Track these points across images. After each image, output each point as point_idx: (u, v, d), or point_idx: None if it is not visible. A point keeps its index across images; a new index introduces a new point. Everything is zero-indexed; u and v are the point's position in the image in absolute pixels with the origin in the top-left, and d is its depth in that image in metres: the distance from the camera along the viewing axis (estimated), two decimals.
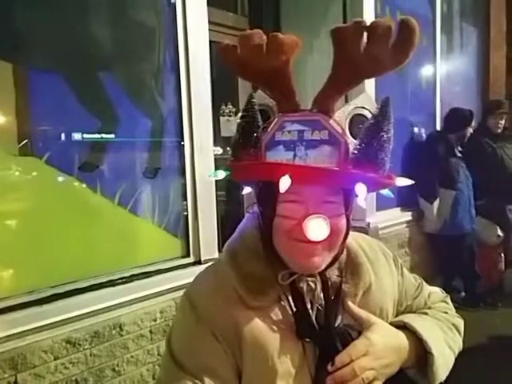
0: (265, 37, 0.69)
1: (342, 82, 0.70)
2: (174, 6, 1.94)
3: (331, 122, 0.68)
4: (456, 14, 4.62)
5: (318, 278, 0.74)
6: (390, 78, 3.26)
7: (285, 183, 0.62)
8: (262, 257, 0.75)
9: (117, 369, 1.68)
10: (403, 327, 0.79)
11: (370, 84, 2.83)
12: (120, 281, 1.76)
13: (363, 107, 0.71)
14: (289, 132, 0.68)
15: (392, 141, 0.66)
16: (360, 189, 0.63)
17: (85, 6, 1.72)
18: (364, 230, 2.86)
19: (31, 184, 1.61)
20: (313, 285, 0.74)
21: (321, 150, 0.66)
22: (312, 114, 0.69)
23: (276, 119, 0.71)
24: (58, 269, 1.63)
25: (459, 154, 3.58)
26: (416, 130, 3.87)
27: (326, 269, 0.74)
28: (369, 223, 2.92)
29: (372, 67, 0.68)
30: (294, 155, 0.67)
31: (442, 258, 3.63)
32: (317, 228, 0.64)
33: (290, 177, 0.62)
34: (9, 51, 1.53)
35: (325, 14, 2.96)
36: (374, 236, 2.89)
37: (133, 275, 1.81)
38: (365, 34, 0.65)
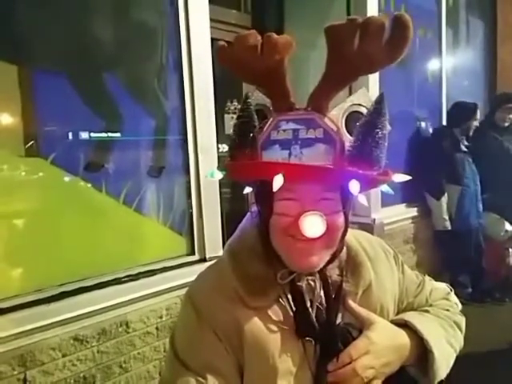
0: (260, 37, 0.69)
1: (336, 79, 0.69)
2: (176, 4, 1.94)
3: (326, 119, 0.68)
4: (462, 6, 4.56)
5: (318, 276, 0.74)
6: (395, 73, 3.23)
7: (278, 182, 0.62)
8: (262, 256, 0.75)
9: (124, 365, 1.70)
10: (404, 325, 0.79)
11: (374, 78, 2.81)
12: (126, 279, 1.78)
13: (360, 104, 0.71)
14: (284, 131, 0.68)
15: (387, 137, 0.66)
16: (353, 186, 0.63)
17: (88, 6, 1.73)
18: (369, 227, 2.85)
19: (37, 184, 1.63)
20: (312, 283, 0.74)
21: (316, 148, 0.66)
22: (306, 112, 0.69)
23: (271, 119, 0.71)
24: (65, 268, 1.65)
25: (465, 149, 3.54)
26: (422, 124, 3.84)
27: (325, 267, 0.74)
28: (374, 219, 2.92)
29: (366, 64, 0.67)
30: (290, 154, 0.67)
31: (449, 253, 3.61)
32: (313, 224, 0.64)
33: (284, 175, 0.62)
34: (13, 53, 1.55)
35: (328, 10, 2.94)
36: (380, 232, 2.89)
37: (139, 273, 1.83)
38: (358, 31, 0.64)
